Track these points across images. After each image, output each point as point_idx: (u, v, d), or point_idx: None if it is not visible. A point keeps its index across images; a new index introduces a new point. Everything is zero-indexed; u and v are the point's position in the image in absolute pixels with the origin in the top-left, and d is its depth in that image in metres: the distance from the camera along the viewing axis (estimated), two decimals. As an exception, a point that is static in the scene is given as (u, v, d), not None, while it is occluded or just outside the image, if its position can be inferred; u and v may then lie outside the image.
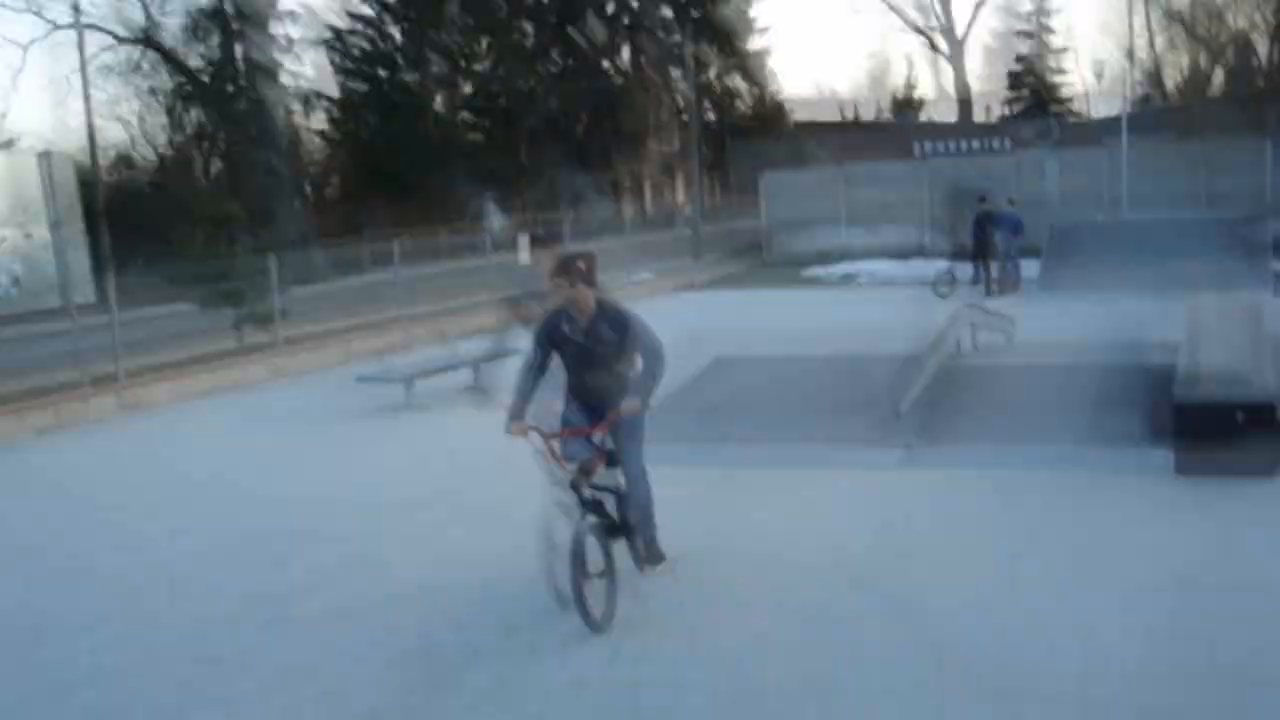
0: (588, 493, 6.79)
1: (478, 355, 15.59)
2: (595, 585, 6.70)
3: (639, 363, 6.92)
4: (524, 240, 30.24)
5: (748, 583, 7.61)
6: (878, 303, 23.62)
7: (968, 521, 8.65)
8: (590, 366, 6.98)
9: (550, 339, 6.95)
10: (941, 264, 25.35)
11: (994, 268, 24.64)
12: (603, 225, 52.89)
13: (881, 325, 18.76)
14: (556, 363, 7.15)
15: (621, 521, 7.17)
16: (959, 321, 14.26)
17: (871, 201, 34.14)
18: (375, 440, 13.05)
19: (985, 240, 24.75)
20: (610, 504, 7.11)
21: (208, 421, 15.27)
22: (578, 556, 6.50)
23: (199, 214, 22.92)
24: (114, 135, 50.53)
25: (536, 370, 6.96)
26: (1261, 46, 52.52)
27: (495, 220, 52.35)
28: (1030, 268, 25.13)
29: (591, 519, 6.72)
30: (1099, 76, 72.83)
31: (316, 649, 6.95)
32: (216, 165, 55.98)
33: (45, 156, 18.29)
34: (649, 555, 7.46)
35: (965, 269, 25.00)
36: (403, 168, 52.77)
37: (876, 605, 7.07)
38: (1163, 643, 6.32)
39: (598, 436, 6.94)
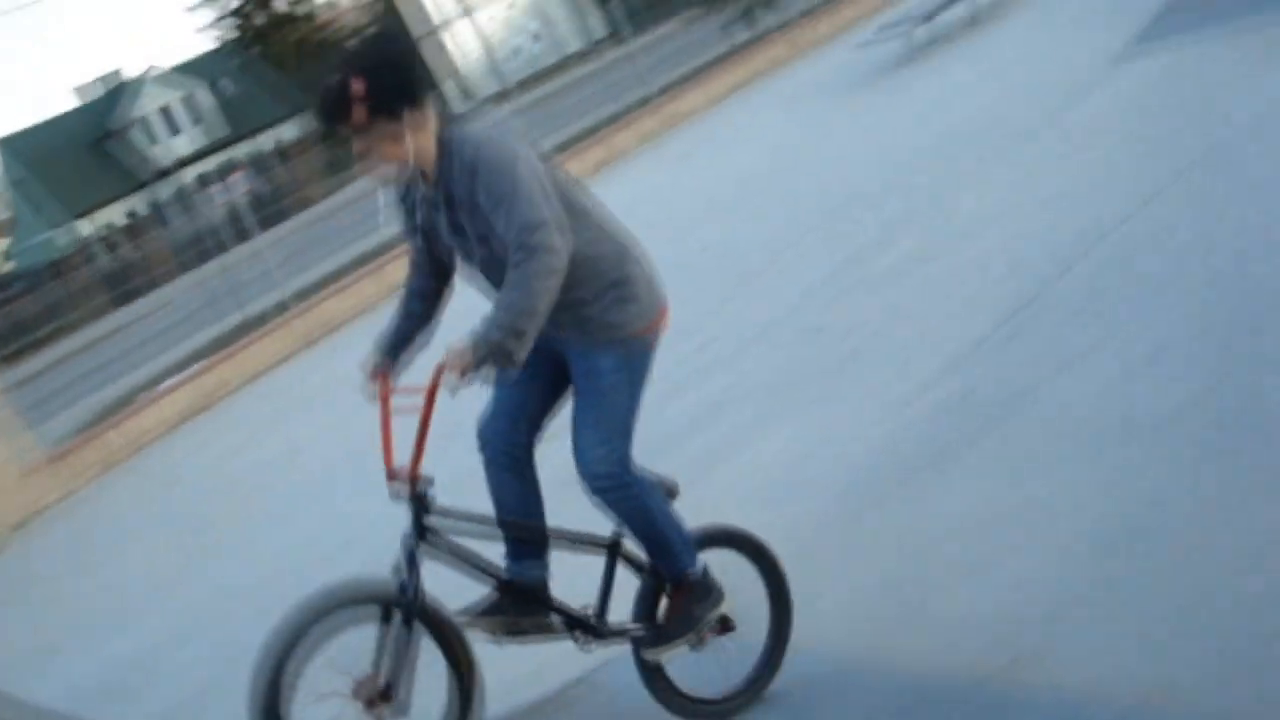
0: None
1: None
2: None
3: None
4: None
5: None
6: None
7: None
8: (468, 255, 3.50)
9: (410, 218, 3.60)
10: None
11: None
12: None
13: None
14: None
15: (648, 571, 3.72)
16: None
17: None
18: (901, 90, 12.72)
19: None
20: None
21: (739, 118, 15.55)
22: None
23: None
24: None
25: (413, 280, 3.70)
26: None
27: None
28: None
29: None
30: None
31: (905, 295, 7.04)
32: None
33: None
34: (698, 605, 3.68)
35: None
36: None
37: None
38: None
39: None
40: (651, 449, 6.26)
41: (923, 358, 6.10)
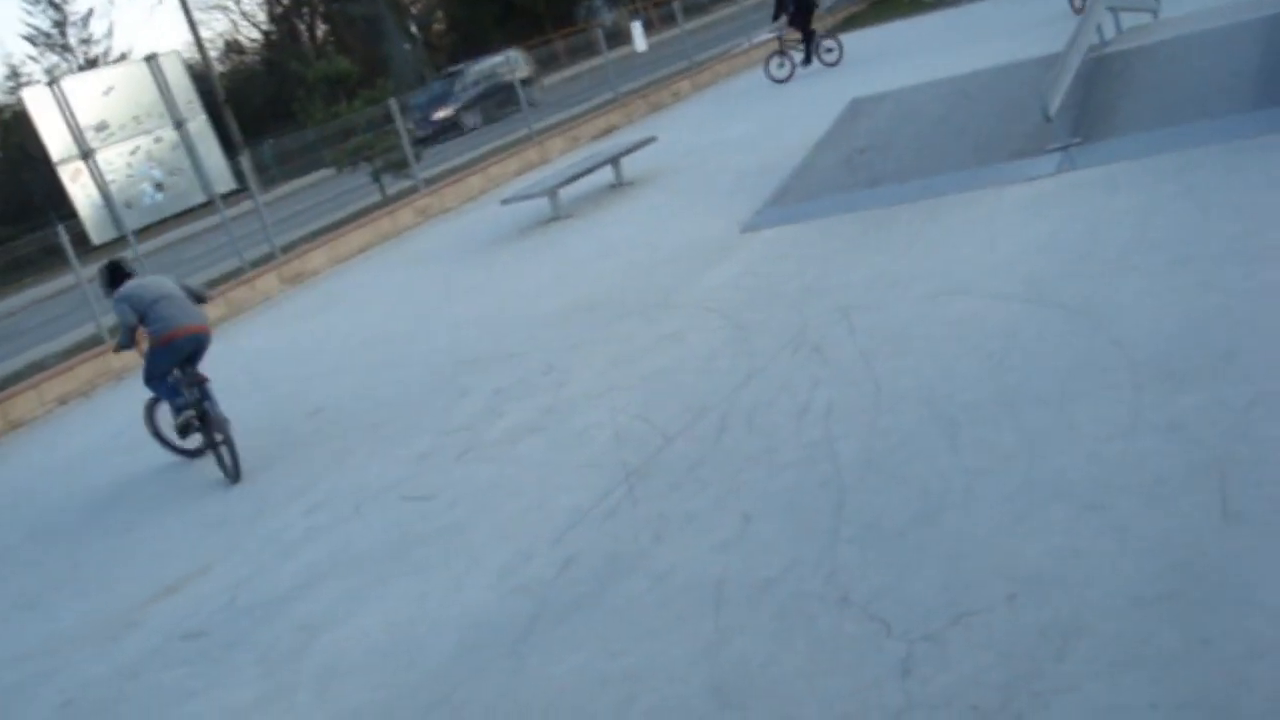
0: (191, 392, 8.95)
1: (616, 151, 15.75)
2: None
3: None
4: (637, 28, 29.71)
5: (929, 314, 7.47)
6: (1015, 6, 22.42)
7: (1136, 213, 8.22)
8: None
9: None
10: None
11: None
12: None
13: (1020, 31, 17.96)
14: None
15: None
16: (1096, 8, 13.40)
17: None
18: (532, 254, 13.09)
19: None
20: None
21: (364, 278, 15.56)
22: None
23: (313, 78, 22.98)
24: (218, 26, 50.99)
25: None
26: None
27: (606, 15, 51.41)
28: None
29: (192, 412, 8.89)
30: None
31: (513, 466, 7.14)
32: (321, 28, 56.08)
33: (153, 59, 18.37)
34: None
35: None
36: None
37: (1053, 313, 6.85)
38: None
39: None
40: (256, 615, 6.11)
41: (528, 527, 6.21)
